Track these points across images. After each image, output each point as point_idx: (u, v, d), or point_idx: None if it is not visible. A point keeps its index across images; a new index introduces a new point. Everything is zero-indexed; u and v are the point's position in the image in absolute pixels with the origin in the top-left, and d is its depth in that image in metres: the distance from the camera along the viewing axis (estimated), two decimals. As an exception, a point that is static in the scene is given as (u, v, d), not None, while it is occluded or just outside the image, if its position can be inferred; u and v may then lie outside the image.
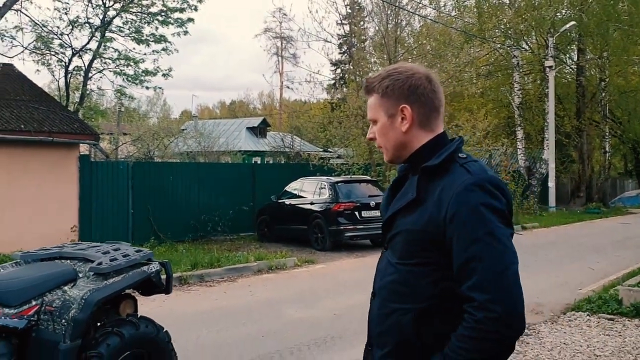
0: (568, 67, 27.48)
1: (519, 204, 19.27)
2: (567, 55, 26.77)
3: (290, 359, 5.58)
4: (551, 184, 22.52)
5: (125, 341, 3.74)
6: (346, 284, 9.17)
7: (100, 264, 3.84)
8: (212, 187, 14.94)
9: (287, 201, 13.95)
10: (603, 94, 27.37)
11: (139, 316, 4.00)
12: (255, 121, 38.99)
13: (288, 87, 49.17)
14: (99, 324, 3.92)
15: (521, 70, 24.48)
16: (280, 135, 29.80)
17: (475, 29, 22.76)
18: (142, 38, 16.03)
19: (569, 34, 24.02)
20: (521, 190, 19.79)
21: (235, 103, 66.86)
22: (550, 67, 22.19)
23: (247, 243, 14.18)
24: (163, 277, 4.21)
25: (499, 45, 24.57)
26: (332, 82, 42.70)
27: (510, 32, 23.56)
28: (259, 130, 37.10)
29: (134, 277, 3.91)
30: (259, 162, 31.13)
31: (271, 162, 30.81)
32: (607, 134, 28.80)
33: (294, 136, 29.55)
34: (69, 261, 4.10)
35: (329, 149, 24.87)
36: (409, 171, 1.80)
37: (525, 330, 6.47)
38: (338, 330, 6.51)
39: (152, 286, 4.17)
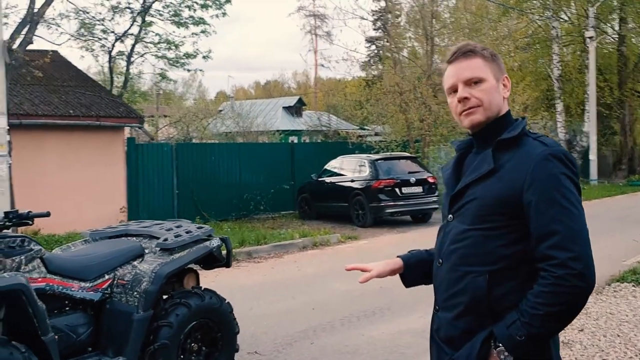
0: (609, 37, 26.72)
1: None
2: (609, 24, 25.99)
3: (341, 329, 5.81)
4: (592, 156, 22.14)
5: (192, 311, 4.02)
6: (390, 257, 9.33)
7: (166, 240, 4.10)
8: (253, 167, 15.25)
9: (328, 179, 14.16)
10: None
11: (203, 288, 4.27)
12: (291, 100, 39.14)
13: (323, 66, 49.09)
14: (165, 296, 4.20)
15: (560, 42, 23.94)
16: (316, 114, 29.93)
17: (513, 1, 22.31)
18: (182, 21, 16.30)
19: (610, 2, 23.35)
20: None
21: (270, 83, 67.17)
22: (590, 37, 21.64)
23: (288, 221, 14.47)
24: (223, 252, 4.46)
25: (537, 17, 24.03)
26: (367, 59, 42.51)
27: (549, 2, 23.01)
28: (295, 110, 37.27)
29: (198, 252, 4.17)
30: (295, 141, 31.40)
31: (308, 141, 31.03)
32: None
33: (330, 115, 29.66)
34: (135, 238, 4.39)
35: (365, 127, 24.92)
36: (471, 147, 1.95)
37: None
38: (385, 302, 6.72)
39: (214, 260, 4.43)
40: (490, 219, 1.74)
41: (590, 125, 22.36)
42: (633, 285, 7.15)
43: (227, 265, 4.45)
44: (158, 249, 4.12)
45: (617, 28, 26.41)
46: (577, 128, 25.36)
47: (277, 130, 28.89)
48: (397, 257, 2.16)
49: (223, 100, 40.71)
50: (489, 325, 1.73)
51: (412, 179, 12.93)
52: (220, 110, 29.25)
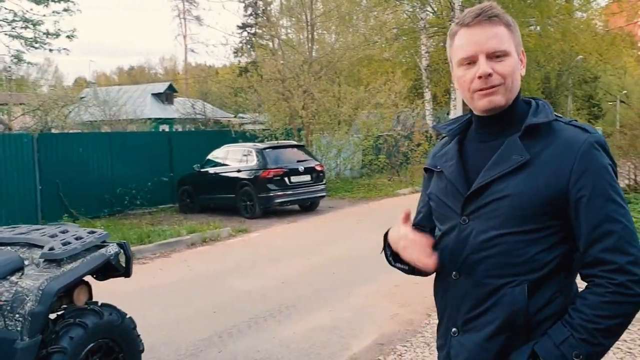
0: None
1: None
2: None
3: (249, 332, 5.38)
4: (460, 142, 23.39)
5: (89, 332, 3.40)
6: (286, 250, 9.03)
7: (52, 249, 3.43)
8: (126, 159, 14.13)
9: (212, 170, 13.49)
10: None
11: (100, 304, 3.63)
12: (161, 87, 37.37)
13: (193, 51, 47.37)
14: (53, 315, 3.52)
15: (427, 33, 24.93)
16: (190, 102, 28.75)
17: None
18: (41, -3, 14.62)
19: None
20: (434, 150, 20.36)
21: (135, 69, 63.76)
22: (457, 28, 22.74)
23: (168, 215, 13.63)
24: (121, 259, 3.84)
25: (408, 8, 24.82)
26: (240, 45, 41.63)
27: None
28: (166, 97, 35.64)
29: (93, 262, 3.53)
30: (167, 130, 29.96)
31: (180, 129, 29.73)
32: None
33: (205, 103, 28.67)
34: (9, 248, 3.64)
35: (240, 115, 24.29)
36: (465, 132, 1.65)
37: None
38: (290, 299, 6.38)
39: (110, 270, 3.79)
40: (529, 220, 1.46)
41: (457, 112, 23.53)
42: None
43: (127, 274, 3.83)
44: (42, 260, 3.43)
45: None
46: (442, 115, 26.68)
47: (150, 119, 27.36)
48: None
49: (83, 87, 37.83)
50: (522, 344, 1.46)
51: (301, 168, 12.69)
52: (82, 97, 27.08)
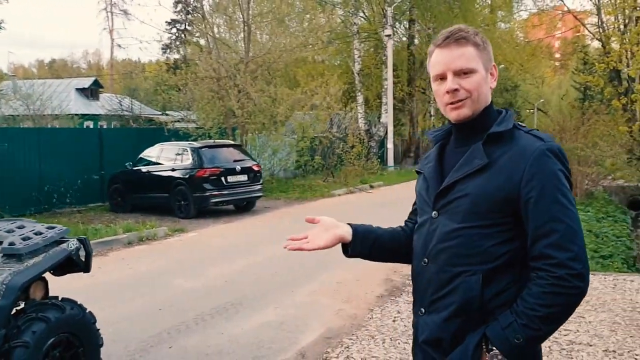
0: (401, 37, 29.28)
1: (364, 165, 20.37)
2: (401, 25, 28.43)
3: (197, 329, 5.46)
4: (390, 145, 24.09)
5: (51, 326, 3.42)
6: (226, 250, 9.10)
7: (12, 244, 3.42)
8: (55, 155, 13.63)
9: (145, 168, 13.27)
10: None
11: (60, 298, 3.65)
12: (86, 82, 36.10)
13: (120, 46, 46.05)
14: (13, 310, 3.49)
15: (360, 39, 25.54)
16: (117, 98, 27.99)
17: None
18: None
19: (401, 5, 25.44)
20: (365, 152, 20.89)
21: (57, 62, 61.06)
22: (389, 35, 23.42)
23: (98, 214, 13.29)
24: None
25: (341, 12, 25.29)
26: (169, 42, 40.83)
27: (351, 0, 24.35)
28: (91, 92, 34.45)
29: (55, 257, 3.55)
30: (91, 126, 29.01)
31: (105, 126, 28.88)
32: (431, 99, 31.37)
33: (133, 99, 27.99)
34: (-37, 243, 3.58)
35: (167, 112, 23.90)
36: (449, 138, 1.87)
37: (407, 281, 7.02)
38: (235, 297, 6.49)
39: (69, 265, 3.80)
40: (484, 217, 1.66)
41: (388, 116, 24.25)
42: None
43: (87, 270, 3.85)
44: (1, 255, 3.40)
45: (408, 28, 29.01)
46: (373, 119, 27.38)
47: (77, 114, 26.39)
48: (347, 223, 1.99)
49: (1, 79, 35.95)
50: (479, 327, 1.66)
51: (238, 168, 12.73)
52: (0, 90, 25.78)
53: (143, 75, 39.04)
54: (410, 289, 6.69)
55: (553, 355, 4.60)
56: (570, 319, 5.98)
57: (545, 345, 4.77)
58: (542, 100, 51.46)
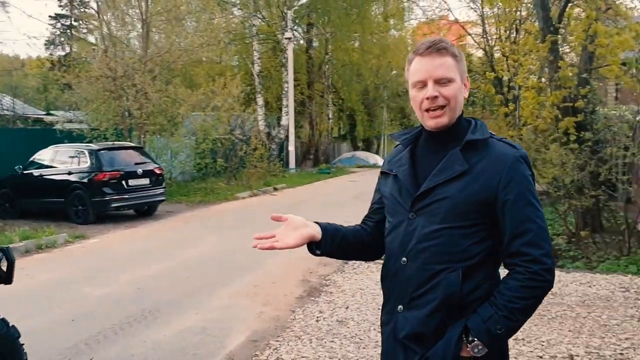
0: (299, 40, 29.60)
1: (267, 167, 20.38)
2: (300, 28, 28.75)
3: (116, 338, 5.24)
4: (291, 147, 24.30)
5: (-29, 343, 3.14)
6: (132, 256, 8.77)
7: None
8: None
9: (37, 172, 12.45)
10: (327, 67, 30.30)
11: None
12: (-43, 78, 33.03)
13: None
14: None
15: (259, 41, 25.52)
16: (-5, 96, 25.88)
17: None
18: None
19: (299, 10, 25.76)
20: (268, 154, 20.92)
21: None
22: (289, 38, 23.60)
23: (-18, 221, 12.28)
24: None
25: (239, 13, 25.12)
26: (53, 37, 38.52)
27: (250, 1, 24.27)
28: (-37, 89, 31.54)
29: (-27, 268, 3.27)
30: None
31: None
32: (330, 102, 32.08)
33: (15, 98, 26.06)
34: None
35: (51, 112, 22.53)
36: (417, 141, 1.96)
37: (324, 281, 7.17)
38: (150, 303, 6.29)
39: (-12, 276, 3.51)
40: (463, 218, 1.78)
41: (289, 119, 24.42)
42: (366, 261, 8.12)
43: (8, 281, 3.58)
44: None
45: (307, 32, 29.39)
46: (272, 121, 27.48)
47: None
48: (315, 222, 2.02)
49: None
50: (458, 320, 1.77)
51: (139, 171, 12.29)
52: None
53: (24, 73, 36.44)
54: (329, 289, 6.79)
55: (470, 345, 4.90)
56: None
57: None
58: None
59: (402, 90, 41.29)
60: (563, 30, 10.53)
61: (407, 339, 1.85)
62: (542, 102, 10.85)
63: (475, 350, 1.74)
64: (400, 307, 1.87)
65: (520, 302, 1.72)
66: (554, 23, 10.01)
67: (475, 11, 28.63)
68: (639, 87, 7.94)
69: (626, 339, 4.88)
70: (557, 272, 7.28)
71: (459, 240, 1.78)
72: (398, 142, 2.05)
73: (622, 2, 10.72)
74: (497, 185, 1.76)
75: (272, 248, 1.95)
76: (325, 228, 2.00)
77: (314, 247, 2.01)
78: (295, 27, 24.83)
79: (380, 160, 36.71)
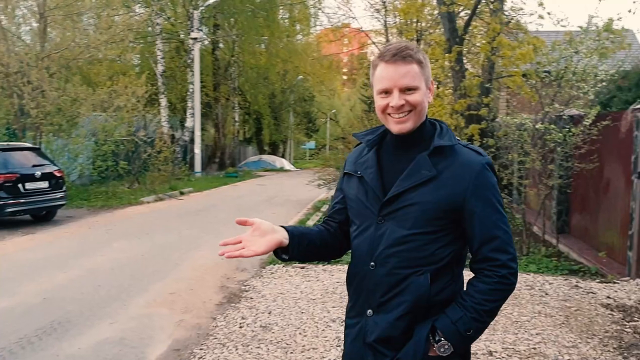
0: (204, 41, 29.05)
1: (172, 171, 19.81)
2: (207, 29, 28.24)
3: (24, 353, 4.87)
4: (197, 150, 23.76)
5: None
6: (35, 264, 8.19)
7: None
8: None
9: None
10: (233, 69, 29.98)
11: None
12: None
13: None
14: None
15: (163, 40, 24.77)
16: None
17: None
18: None
19: (204, 12, 25.27)
20: (172, 157, 20.34)
21: None
22: (195, 39, 23.11)
23: None
24: None
25: (140, 11, 24.27)
26: None
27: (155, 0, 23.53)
28: None
29: None
30: None
31: None
32: (236, 105, 31.77)
33: None
34: None
35: None
36: (381, 142, 1.97)
37: (242, 287, 7.08)
38: (60, 314, 5.92)
39: None
40: (432, 223, 1.80)
41: (195, 121, 23.88)
42: (283, 266, 8.10)
43: None
44: None
45: (213, 33, 28.90)
46: (175, 123, 26.78)
47: None
48: (281, 226, 1.97)
49: None
50: (423, 322, 1.82)
51: (37, 173, 11.51)
52: None
53: None
54: (248, 294, 6.70)
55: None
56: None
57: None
58: (334, 111, 55.28)
59: (308, 95, 41.82)
60: (467, 42, 11.14)
61: (377, 342, 1.86)
62: (447, 110, 11.38)
63: (442, 349, 1.79)
64: (369, 311, 1.88)
65: (489, 304, 1.79)
66: (459, 34, 10.57)
67: (379, 21, 29.69)
68: (537, 97, 8.51)
69: (537, 334, 5.21)
70: (464, 274, 7.69)
71: (427, 245, 1.81)
72: (360, 142, 2.04)
73: (521, 17, 11.49)
74: (465, 192, 1.79)
75: (240, 256, 1.87)
76: (292, 233, 1.96)
77: (280, 252, 1.97)
78: (201, 28, 24.34)
79: (287, 164, 36.90)
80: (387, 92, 1.84)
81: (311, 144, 56.00)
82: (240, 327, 5.56)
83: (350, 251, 2.04)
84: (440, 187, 1.80)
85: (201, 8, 23.40)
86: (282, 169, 34.56)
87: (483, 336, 5.14)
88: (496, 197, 1.83)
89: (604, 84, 8.56)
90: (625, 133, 7.33)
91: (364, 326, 1.90)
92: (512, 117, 10.21)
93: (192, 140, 24.72)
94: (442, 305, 1.82)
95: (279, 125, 39.34)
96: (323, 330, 5.43)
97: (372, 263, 1.86)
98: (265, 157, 36.53)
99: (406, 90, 1.82)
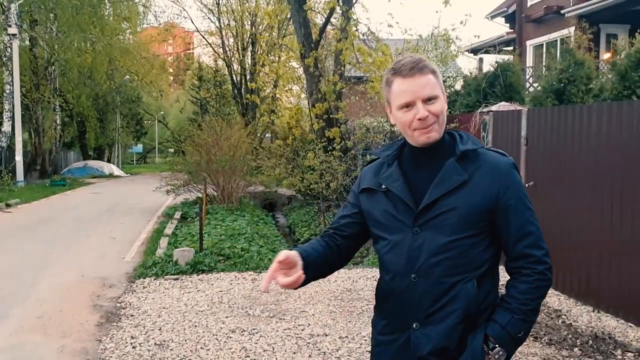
0: (26, 41, 26.28)
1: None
2: (25, 24, 25.53)
3: None
4: (19, 157, 21.45)
5: None
6: None
7: None
8: None
9: None
10: (53, 68, 27.56)
11: None
12: None
13: None
14: None
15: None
16: None
17: None
18: None
19: (25, 4, 22.91)
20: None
21: None
22: (14, 34, 20.85)
23: None
24: None
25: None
26: None
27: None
28: None
29: None
30: None
31: None
32: (57, 107, 29.22)
33: None
34: None
35: None
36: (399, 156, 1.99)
37: (118, 304, 6.63)
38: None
39: None
40: (471, 227, 1.82)
41: (16, 125, 21.55)
42: (154, 279, 7.71)
43: None
44: None
45: (32, 29, 26.19)
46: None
47: None
48: (294, 250, 1.92)
49: None
50: (474, 330, 1.82)
51: None
52: None
53: None
54: (127, 312, 6.33)
55: (303, 350, 5.06)
56: (296, 314, 6.61)
57: (292, 342, 5.22)
58: (162, 112, 53.38)
59: (134, 96, 39.77)
60: (321, 47, 11.53)
61: (432, 355, 1.84)
62: (303, 113, 11.73)
63: (497, 356, 1.80)
64: (415, 324, 1.86)
65: (532, 303, 1.83)
66: (314, 40, 10.92)
67: (213, 22, 29.36)
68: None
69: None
70: (344, 270, 7.96)
71: (469, 250, 1.82)
72: (379, 158, 2.04)
73: (372, 25, 12.17)
74: (497, 192, 1.83)
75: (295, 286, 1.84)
76: (307, 260, 1.91)
77: None
78: (19, 23, 21.92)
79: (116, 170, 34.78)
80: (408, 105, 1.85)
81: (138, 147, 53.47)
82: (134, 348, 5.20)
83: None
84: (473, 190, 1.83)
85: (18, 2, 21.12)
86: (111, 175, 32.53)
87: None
88: (525, 195, 1.89)
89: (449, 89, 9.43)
90: (474, 133, 8.16)
91: (411, 340, 1.87)
92: (361, 120, 10.84)
93: (9, 147, 22.28)
94: (489, 312, 1.85)
95: (105, 128, 36.93)
96: (225, 342, 5.29)
97: (414, 275, 1.85)
98: (91, 162, 34.06)
99: (427, 100, 1.84)
